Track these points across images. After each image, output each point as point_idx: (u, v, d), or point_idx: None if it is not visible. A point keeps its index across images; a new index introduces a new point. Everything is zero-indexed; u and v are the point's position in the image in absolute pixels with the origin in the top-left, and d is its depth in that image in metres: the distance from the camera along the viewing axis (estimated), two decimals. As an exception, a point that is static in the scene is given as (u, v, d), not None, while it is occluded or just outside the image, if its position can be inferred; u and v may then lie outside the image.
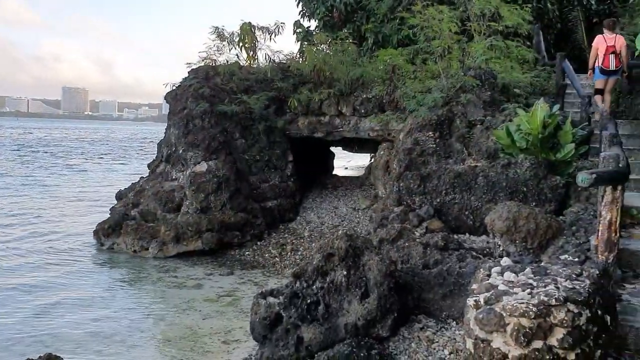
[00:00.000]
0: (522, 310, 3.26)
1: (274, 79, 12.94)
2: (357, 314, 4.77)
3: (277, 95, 12.91)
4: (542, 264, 4.28)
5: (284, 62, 13.46)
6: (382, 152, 11.58)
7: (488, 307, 3.40)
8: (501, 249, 5.82)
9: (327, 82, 12.57)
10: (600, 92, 9.59)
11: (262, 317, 5.07)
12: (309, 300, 4.92)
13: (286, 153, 13.18)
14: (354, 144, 15.71)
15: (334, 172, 17.56)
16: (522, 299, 3.36)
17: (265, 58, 13.89)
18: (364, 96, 11.96)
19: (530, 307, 3.27)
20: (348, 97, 12.25)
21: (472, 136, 8.49)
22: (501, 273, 3.78)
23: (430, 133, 8.51)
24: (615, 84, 9.98)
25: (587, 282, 3.70)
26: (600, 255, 4.14)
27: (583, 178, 3.82)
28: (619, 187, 4.05)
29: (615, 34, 9.63)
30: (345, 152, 19.49)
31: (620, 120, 10.74)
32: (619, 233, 4.12)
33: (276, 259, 11.20)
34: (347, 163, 27.83)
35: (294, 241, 12.01)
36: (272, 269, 10.72)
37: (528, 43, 13.65)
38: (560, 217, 6.11)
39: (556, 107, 7.48)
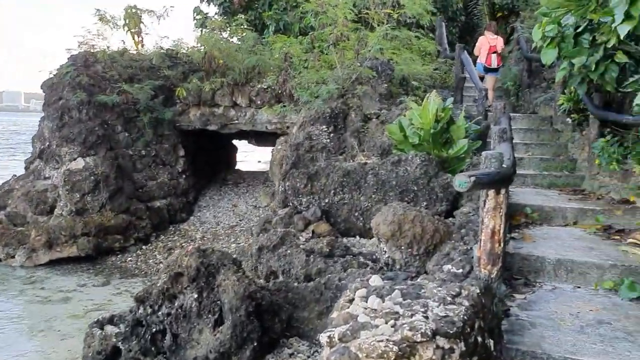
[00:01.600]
0: (380, 351, 2.60)
1: (161, 67, 11.81)
2: (209, 346, 3.99)
3: (165, 85, 11.80)
4: (419, 280, 3.68)
5: (172, 48, 12.33)
6: (279, 147, 10.82)
7: (343, 345, 2.72)
8: (387, 256, 5.24)
9: (220, 70, 11.62)
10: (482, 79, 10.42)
11: (95, 351, 4.17)
12: (154, 330, 4.09)
13: (176, 147, 12.11)
14: (252, 138, 14.86)
15: (237, 167, 16.62)
16: (382, 335, 2.70)
17: (155, 45, 12.71)
18: (260, 86, 11.14)
19: (391, 345, 2.61)
20: (243, 87, 11.37)
21: (368, 131, 7.93)
22: (366, 297, 3.12)
23: (324, 127, 7.85)
24: (496, 82, 10.84)
25: (466, 304, 3.12)
26: (482, 269, 3.59)
27: (460, 182, 3.23)
28: (503, 191, 3.51)
29: (496, 36, 10.55)
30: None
31: (518, 114, 10.65)
32: (502, 243, 3.58)
33: (161, 265, 10.16)
34: (262, 157, 26.91)
35: (183, 244, 11.00)
36: (155, 277, 9.69)
37: (432, 35, 13.41)
38: (450, 218, 5.64)
39: (449, 100, 7.05)
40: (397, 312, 2.90)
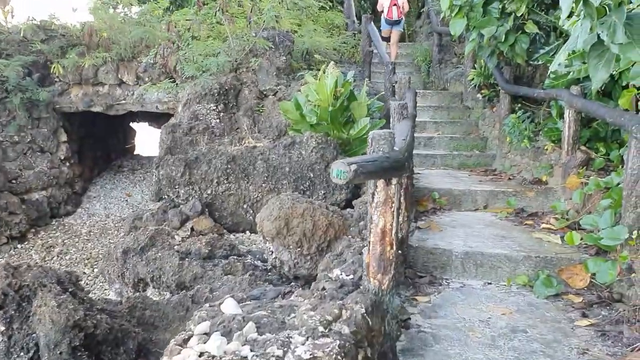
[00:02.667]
0: None
1: (33, 40, 10.25)
2: (20, 395, 3.03)
3: (39, 61, 10.25)
4: (293, 296, 2.87)
5: (47, 20, 10.74)
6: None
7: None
8: (273, 257, 4.41)
9: (104, 44, 10.23)
10: (387, 39, 10.83)
11: None
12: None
13: (57, 132, 10.62)
14: (152, 120, 13.54)
15: (135, 153, 15.16)
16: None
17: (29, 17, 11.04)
18: (149, 61, 9.88)
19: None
20: (130, 63, 10.05)
21: (263, 109, 7.04)
22: (209, 334, 2.26)
23: (212, 105, 6.90)
24: (399, 36, 11.31)
25: (346, 331, 2.35)
26: (372, 279, 2.83)
27: (338, 172, 2.44)
28: (394, 181, 2.74)
29: None
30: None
31: (429, 91, 10.12)
32: (396, 245, 2.83)
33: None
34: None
35: (66, 241, 9.69)
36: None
37: (341, 8, 12.65)
38: (349, 209, 4.89)
39: (350, 73, 6.28)
40: (245, 359, 2.06)
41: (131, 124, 15.10)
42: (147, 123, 15.86)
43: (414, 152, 7.97)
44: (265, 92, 7.11)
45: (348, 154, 5.77)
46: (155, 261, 4.72)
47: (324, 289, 3.09)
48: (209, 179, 5.63)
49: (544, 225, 5.12)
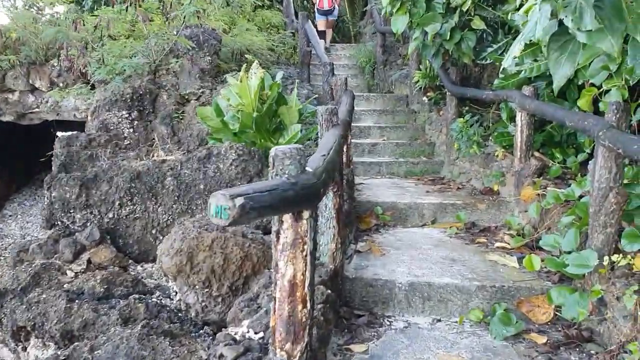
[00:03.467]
0: None
1: None
2: None
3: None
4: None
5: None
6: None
7: None
8: (178, 299, 3.60)
9: (14, 46, 9.12)
10: (322, 33, 10.80)
11: None
12: None
13: (-39, 145, 9.44)
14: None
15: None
16: None
17: None
18: (65, 65, 8.82)
19: None
20: (42, 67, 8.96)
21: (184, 116, 6.21)
22: None
23: (125, 112, 6.00)
24: (333, 23, 11.64)
25: None
26: (278, 350, 2.07)
27: (218, 209, 1.71)
28: (307, 214, 2.01)
29: None
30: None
31: (373, 94, 9.51)
32: (311, 302, 2.10)
33: None
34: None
35: (-31, 269, 8.55)
36: None
37: (280, 7, 11.95)
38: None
39: (279, 74, 5.53)
40: None
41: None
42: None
43: (358, 160, 7.35)
44: (186, 97, 6.28)
45: (277, 167, 5.02)
46: (39, 305, 3.84)
47: (222, 356, 2.33)
48: (110, 201, 4.76)
49: (498, 244, 4.51)
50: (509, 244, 4.46)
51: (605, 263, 3.18)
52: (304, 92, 8.04)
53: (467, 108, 6.85)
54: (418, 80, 8.09)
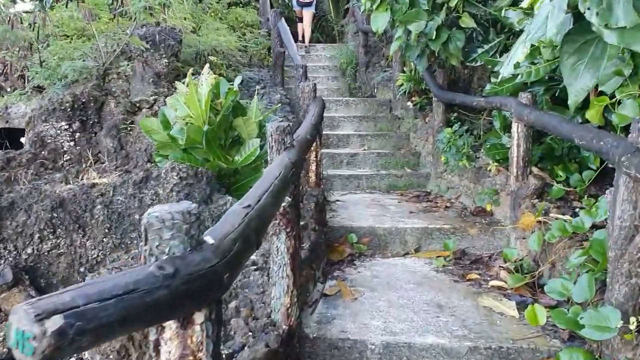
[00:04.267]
0: None
1: None
2: None
3: None
4: None
5: None
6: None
7: None
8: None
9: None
10: (300, 20, 10.68)
11: None
12: None
13: None
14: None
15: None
16: None
17: None
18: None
19: None
20: (-10, 70, 8.18)
21: (134, 127, 5.44)
22: None
23: (64, 123, 5.22)
24: (312, 18, 10.96)
25: None
26: None
27: (19, 335, 0.95)
28: (201, 317, 1.26)
29: None
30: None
31: (353, 99, 8.78)
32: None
33: None
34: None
35: None
36: None
37: (256, 5, 11.20)
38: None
39: (238, 79, 4.77)
40: None
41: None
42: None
43: (335, 172, 6.62)
44: (138, 105, 5.52)
45: (234, 189, 4.27)
46: None
47: None
48: (28, 234, 4.00)
49: (492, 283, 3.80)
50: (505, 282, 3.75)
51: (632, 326, 2.46)
52: (276, 97, 7.31)
53: (455, 114, 6.16)
54: (402, 84, 7.38)
